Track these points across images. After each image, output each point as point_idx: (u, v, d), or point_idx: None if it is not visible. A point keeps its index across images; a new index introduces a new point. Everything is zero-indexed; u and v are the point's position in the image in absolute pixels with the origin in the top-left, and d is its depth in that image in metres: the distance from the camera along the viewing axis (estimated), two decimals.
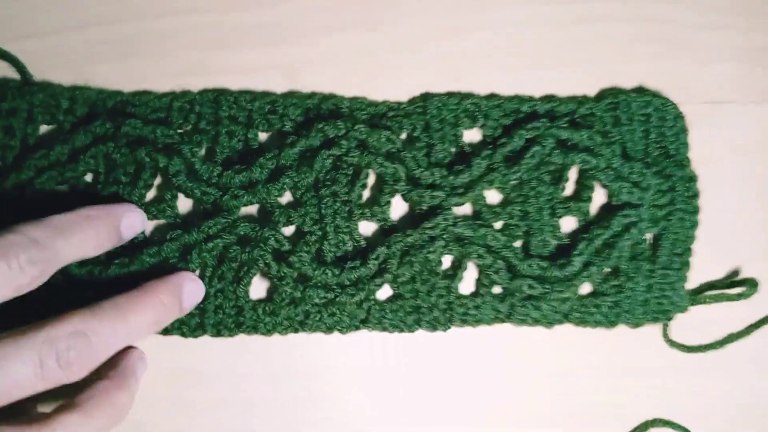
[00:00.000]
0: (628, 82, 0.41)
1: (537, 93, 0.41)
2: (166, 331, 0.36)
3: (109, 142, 0.35)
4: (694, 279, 0.41)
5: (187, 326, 0.36)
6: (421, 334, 0.39)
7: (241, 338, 0.38)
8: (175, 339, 0.37)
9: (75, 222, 0.31)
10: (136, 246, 0.36)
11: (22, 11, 0.38)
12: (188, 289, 0.34)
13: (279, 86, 0.39)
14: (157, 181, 0.37)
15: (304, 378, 0.39)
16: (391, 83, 0.40)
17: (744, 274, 0.42)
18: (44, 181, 0.35)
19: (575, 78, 0.41)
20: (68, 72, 0.38)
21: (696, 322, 0.41)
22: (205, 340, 0.37)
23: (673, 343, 0.41)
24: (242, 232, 0.36)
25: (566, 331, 0.40)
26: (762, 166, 0.42)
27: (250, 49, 0.39)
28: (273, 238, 0.36)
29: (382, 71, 0.40)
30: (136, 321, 0.31)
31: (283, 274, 0.36)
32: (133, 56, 0.39)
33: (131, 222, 0.34)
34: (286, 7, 0.40)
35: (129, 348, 0.33)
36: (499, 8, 0.41)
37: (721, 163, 0.41)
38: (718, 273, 0.42)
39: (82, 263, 0.34)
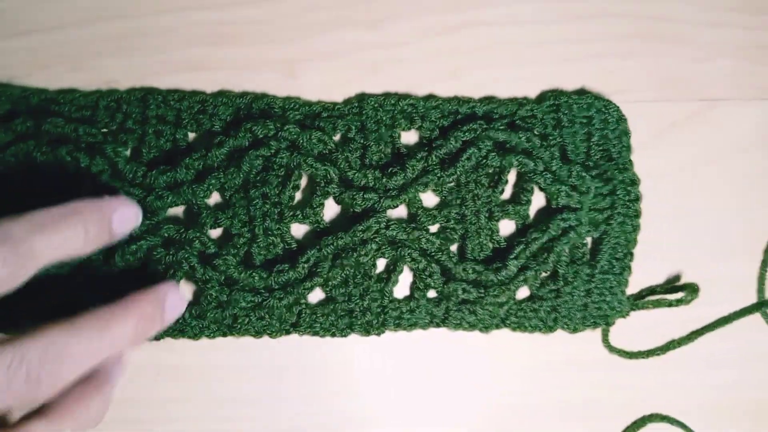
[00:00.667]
0: (627, 78, 0.41)
1: (536, 89, 0.41)
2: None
3: (30, 140, 0.35)
4: (692, 276, 0.42)
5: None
6: (407, 333, 0.39)
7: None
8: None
9: (59, 217, 0.28)
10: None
11: (25, 6, 0.38)
12: (171, 301, 0.32)
13: (278, 82, 0.39)
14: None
15: (290, 375, 0.40)
16: (389, 80, 0.40)
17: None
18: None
19: (573, 74, 0.41)
20: (70, 67, 0.38)
21: (647, 324, 0.41)
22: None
23: (612, 349, 0.41)
24: (166, 234, 0.35)
25: None
26: (758, 164, 0.42)
27: (250, 46, 0.39)
28: (198, 241, 0.36)
29: (380, 68, 0.40)
30: (117, 334, 0.29)
31: (208, 278, 0.35)
32: (135, 52, 0.38)
33: (125, 216, 0.32)
34: (285, 4, 0.40)
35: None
36: (496, 5, 0.41)
37: (718, 161, 0.42)
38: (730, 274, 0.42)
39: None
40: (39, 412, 0.27)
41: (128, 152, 0.37)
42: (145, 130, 0.36)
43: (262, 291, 0.36)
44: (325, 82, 0.39)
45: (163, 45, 0.38)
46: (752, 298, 0.42)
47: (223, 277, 0.36)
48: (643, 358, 0.41)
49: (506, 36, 0.41)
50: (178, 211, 0.38)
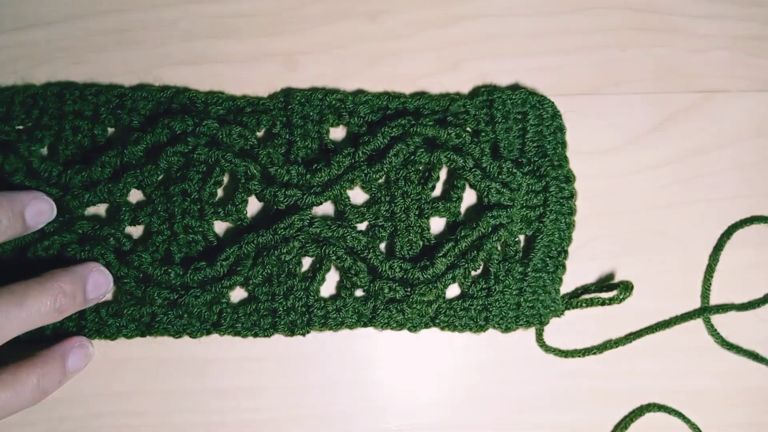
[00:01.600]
0: (623, 70, 0.41)
1: (533, 80, 0.41)
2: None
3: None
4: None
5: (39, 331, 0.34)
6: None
7: None
8: None
9: None
10: None
11: (24, 1, 0.37)
12: (94, 280, 0.33)
13: (278, 75, 0.39)
14: None
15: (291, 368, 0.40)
16: (389, 71, 0.40)
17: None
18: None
19: (571, 65, 0.41)
20: (70, 62, 0.37)
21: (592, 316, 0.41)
22: None
23: (548, 348, 0.40)
24: (80, 231, 0.35)
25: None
26: (753, 154, 0.42)
27: (249, 39, 0.39)
28: (113, 237, 0.35)
29: (380, 60, 0.40)
30: (34, 308, 0.30)
31: (123, 274, 0.35)
32: (134, 45, 0.38)
33: (39, 209, 0.33)
34: None
35: (73, 336, 0.34)
36: None
37: (714, 152, 0.42)
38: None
39: None
40: None
41: (45, 150, 0.36)
42: (62, 126, 0.35)
43: (179, 288, 0.35)
44: (325, 74, 0.39)
45: (162, 38, 0.38)
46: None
47: (139, 274, 0.35)
48: (578, 357, 0.41)
49: (504, 28, 0.41)
50: (101, 209, 0.37)
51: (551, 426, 0.42)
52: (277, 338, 0.38)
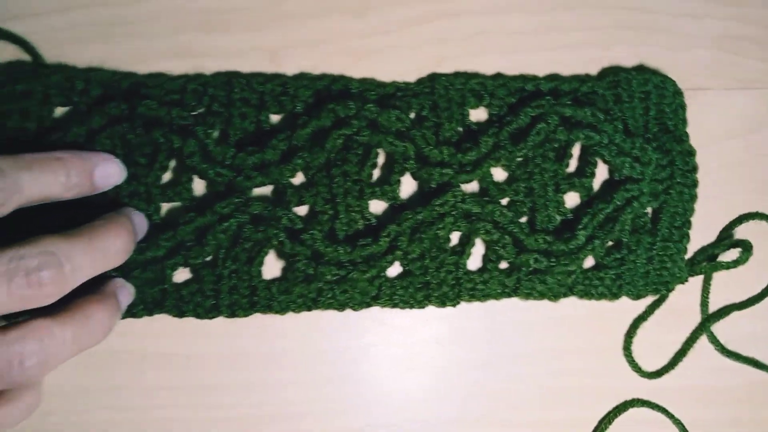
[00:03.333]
0: (607, 68, 0.42)
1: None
2: (181, 314, 0.37)
3: (125, 122, 0.35)
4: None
5: (202, 308, 0.37)
6: (403, 315, 0.40)
7: (233, 322, 0.38)
8: (162, 324, 0.37)
9: (44, 160, 0.30)
10: (151, 229, 0.36)
11: None
12: (142, 222, 0.35)
13: (263, 69, 0.39)
14: (173, 163, 0.38)
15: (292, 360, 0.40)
16: (374, 67, 0.40)
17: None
18: None
19: (555, 63, 0.42)
20: (54, 54, 0.38)
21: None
22: (190, 324, 0.38)
23: (632, 363, 0.43)
24: (256, 212, 0.36)
25: (543, 311, 0.41)
26: (738, 152, 0.43)
27: (235, 33, 0.39)
28: (286, 217, 0.37)
29: (365, 56, 0.40)
30: (110, 247, 0.31)
31: (296, 252, 0.37)
32: (118, 38, 0.38)
33: (107, 171, 0.33)
34: None
35: (111, 277, 0.34)
36: None
37: (699, 150, 0.42)
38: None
39: None
40: (42, 312, 0.28)
41: (216, 134, 0.38)
42: (231, 112, 0.37)
43: (347, 264, 0.37)
44: (310, 70, 0.39)
45: (148, 32, 0.38)
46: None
47: (310, 252, 0.37)
48: (656, 377, 0.43)
49: (490, 25, 0.42)
50: (261, 191, 0.39)
51: (536, 422, 0.42)
52: (264, 334, 0.39)
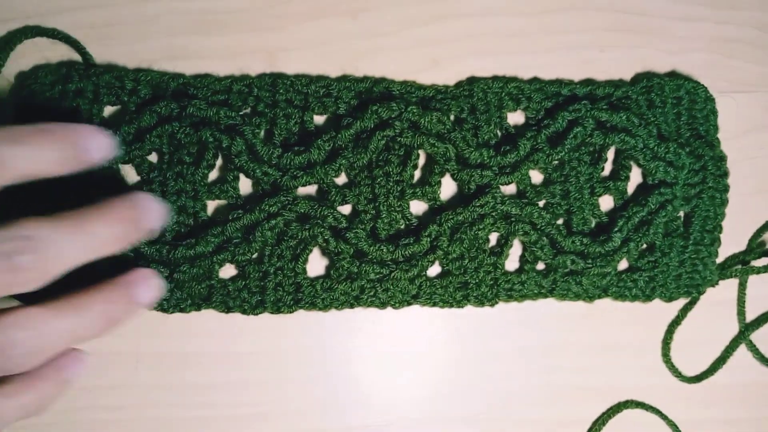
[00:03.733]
0: (601, 71, 0.43)
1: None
2: (228, 309, 0.37)
3: (174, 122, 0.36)
4: None
5: (248, 304, 0.37)
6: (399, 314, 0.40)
7: (238, 322, 0.39)
8: (169, 323, 0.38)
9: (30, 131, 0.27)
10: (200, 227, 0.37)
11: None
12: (155, 208, 0.30)
13: (259, 71, 0.39)
14: (218, 162, 0.38)
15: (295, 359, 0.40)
16: (370, 69, 0.40)
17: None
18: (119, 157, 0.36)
19: (550, 65, 0.42)
20: (49, 56, 0.38)
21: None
22: (201, 322, 0.38)
23: (672, 369, 0.43)
24: (302, 210, 0.37)
25: (537, 310, 0.42)
26: (733, 154, 0.43)
27: (231, 35, 0.40)
28: (331, 216, 0.37)
29: (361, 57, 0.41)
30: (101, 233, 0.28)
31: (340, 250, 0.37)
32: (115, 40, 0.38)
33: (99, 144, 0.29)
34: None
35: (138, 266, 0.32)
36: None
37: None
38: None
39: (152, 243, 0.35)
40: (42, 298, 0.27)
41: (262, 134, 0.38)
42: (275, 113, 0.38)
43: (390, 263, 0.38)
44: (306, 71, 0.40)
45: (144, 33, 0.39)
46: None
47: (353, 250, 0.38)
48: (697, 382, 0.44)
49: (485, 27, 0.42)
50: (303, 191, 0.39)
51: (530, 422, 0.43)
52: (258, 333, 0.39)
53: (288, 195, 0.37)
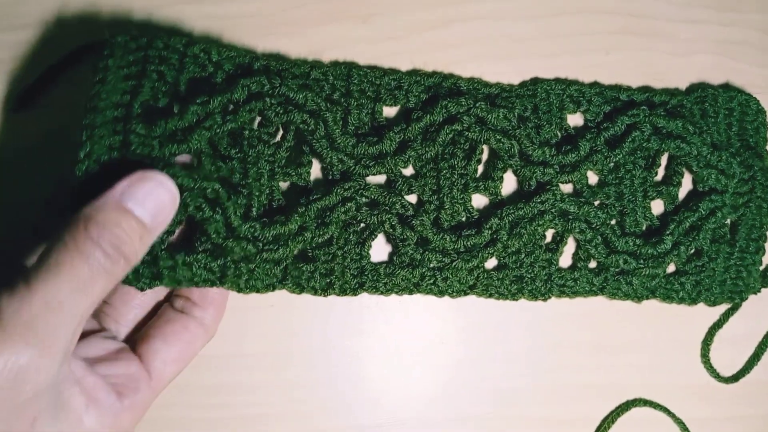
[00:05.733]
0: (608, 73, 0.44)
1: (518, 81, 0.43)
2: (301, 290, 0.38)
3: (266, 98, 0.36)
4: None
5: (319, 285, 0.38)
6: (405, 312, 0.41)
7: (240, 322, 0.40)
8: None
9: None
10: (272, 209, 0.37)
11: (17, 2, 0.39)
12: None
13: None
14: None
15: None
16: None
17: None
18: (207, 127, 0.34)
19: (557, 68, 0.44)
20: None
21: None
22: None
23: (711, 369, 0.44)
24: (373, 196, 0.38)
25: (544, 309, 0.42)
26: None
27: (242, 40, 0.40)
28: (399, 203, 0.38)
29: (372, 61, 0.41)
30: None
31: (405, 237, 0.38)
32: None
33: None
34: None
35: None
36: (485, 0, 0.43)
37: None
38: None
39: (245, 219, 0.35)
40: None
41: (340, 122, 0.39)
42: (349, 102, 0.39)
43: (451, 253, 0.39)
44: None
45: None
46: None
47: (417, 238, 0.39)
48: (733, 382, 0.45)
49: (494, 31, 0.43)
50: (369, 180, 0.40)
51: (538, 420, 0.43)
52: (266, 334, 0.40)
53: (360, 181, 0.38)
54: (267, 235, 0.35)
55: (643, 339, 0.44)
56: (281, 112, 0.37)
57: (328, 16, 0.41)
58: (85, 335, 0.34)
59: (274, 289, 0.37)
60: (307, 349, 0.41)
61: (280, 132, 0.39)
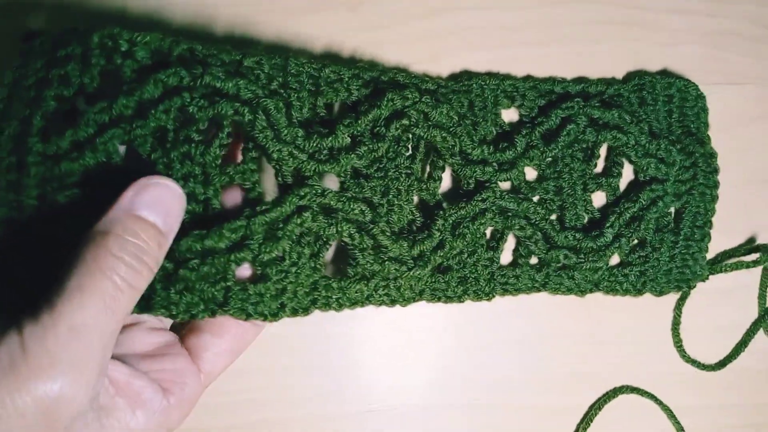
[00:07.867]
0: (596, 63, 0.44)
1: (508, 71, 0.43)
2: (247, 316, 0.33)
3: (185, 93, 0.31)
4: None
5: (269, 309, 0.34)
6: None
7: None
8: None
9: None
10: (213, 217, 0.32)
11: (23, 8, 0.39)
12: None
13: None
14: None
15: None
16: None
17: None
18: (106, 140, 0.30)
19: (546, 57, 0.43)
20: None
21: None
22: None
23: (688, 359, 0.44)
24: (330, 203, 0.34)
25: (530, 299, 0.42)
26: (725, 146, 0.44)
27: (229, 28, 0.40)
28: (358, 209, 0.35)
29: (360, 50, 0.41)
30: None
31: (365, 245, 0.36)
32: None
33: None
34: None
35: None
36: None
37: None
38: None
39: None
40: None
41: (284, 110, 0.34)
42: (289, 94, 0.34)
43: (408, 260, 0.37)
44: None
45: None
46: None
47: (374, 245, 0.36)
48: (715, 370, 0.45)
49: (483, 20, 0.43)
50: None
51: (527, 408, 0.43)
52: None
53: (315, 185, 0.34)
54: (183, 249, 0.31)
55: (632, 328, 0.44)
56: (206, 105, 0.31)
57: (316, 4, 0.41)
58: (129, 326, 0.33)
59: (214, 314, 0.32)
60: (299, 335, 0.41)
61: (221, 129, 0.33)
